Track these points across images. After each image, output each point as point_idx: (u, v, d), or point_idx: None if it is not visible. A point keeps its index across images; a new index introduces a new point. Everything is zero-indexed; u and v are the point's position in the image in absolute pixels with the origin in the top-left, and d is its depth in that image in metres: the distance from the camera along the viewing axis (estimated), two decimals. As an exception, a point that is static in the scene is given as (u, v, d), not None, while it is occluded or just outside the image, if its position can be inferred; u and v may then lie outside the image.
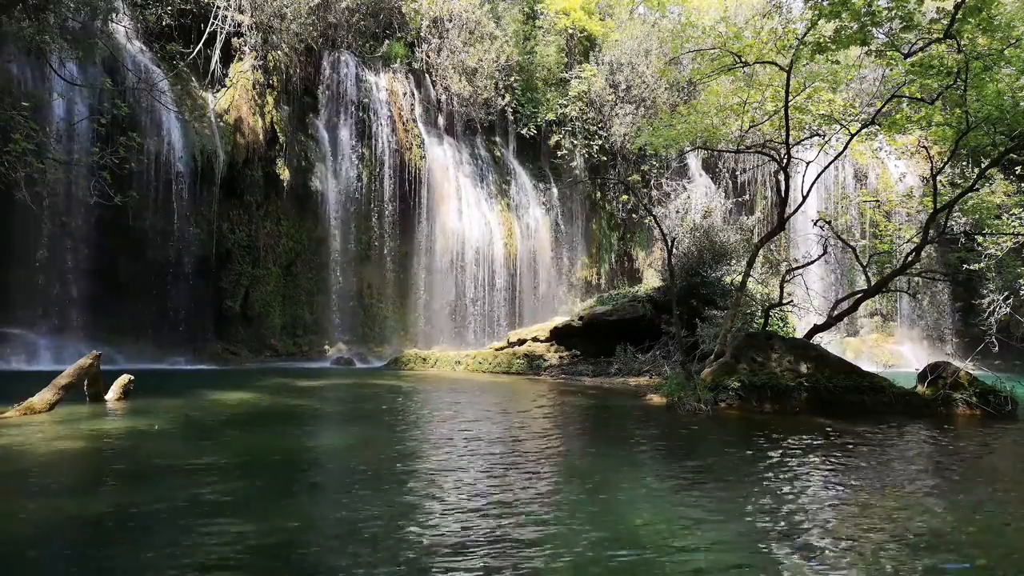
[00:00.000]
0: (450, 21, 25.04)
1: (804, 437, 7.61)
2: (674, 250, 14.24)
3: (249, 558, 3.48)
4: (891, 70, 13.12)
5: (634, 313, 17.88)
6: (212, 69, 20.28)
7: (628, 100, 27.20)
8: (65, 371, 8.60)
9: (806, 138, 13.85)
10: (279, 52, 21.19)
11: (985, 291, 22.18)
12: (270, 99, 21.16)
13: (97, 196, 13.56)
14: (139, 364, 15.61)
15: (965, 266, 19.51)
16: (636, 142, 22.93)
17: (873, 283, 13.05)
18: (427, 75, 25.05)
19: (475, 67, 24.85)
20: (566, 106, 26.82)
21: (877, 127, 12.64)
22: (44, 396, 8.07)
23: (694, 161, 28.86)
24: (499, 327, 23.84)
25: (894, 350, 27.17)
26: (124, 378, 9.54)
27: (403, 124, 23.62)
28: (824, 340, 15.03)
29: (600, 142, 27.10)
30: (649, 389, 11.97)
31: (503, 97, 25.87)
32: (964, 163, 21.57)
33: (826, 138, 14.01)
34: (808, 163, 13.60)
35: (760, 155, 16.71)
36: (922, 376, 10.64)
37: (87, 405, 8.71)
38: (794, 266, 15.41)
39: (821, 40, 10.80)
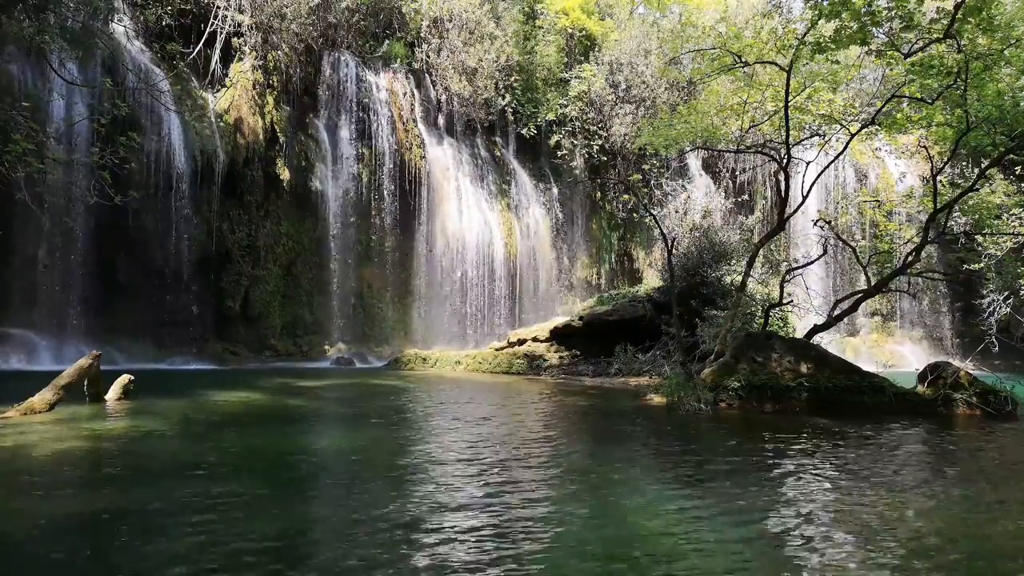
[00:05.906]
0: (450, 21, 25.04)
1: (804, 437, 7.61)
2: (674, 250, 14.24)
3: (250, 558, 3.48)
4: (891, 70, 13.14)
5: (634, 313, 17.88)
6: (212, 69, 20.29)
7: (628, 100, 27.21)
8: (65, 371, 8.60)
9: (806, 138, 13.85)
10: (279, 52, 21.19)
11: (985, 291, 22.15)
12: (270, 99, 21.16)
13: (97, 196, 13.53)
14: (139, 364, 15.62)
15: (965, 266, 19.48)
16: (636, 142, 22.93)
17: (873, 283, 13.04)
18: (427, 75, 25.05)
19: (475, 67, 24.85)
20: (566, 106, 26.82)
21: (877, 127, 12.63)
22: (44, 396, 8.07)
23: (694, 161, 28.89)
24: (499, 327, 23.83)
25: (894, 350, 27.18)
26: (124, 378, 9.54)
27: (403, 124, 23.62)
28: (824, 340, 15.05)
29: (600, 142, 27.11)
30: (649, 389, 11.95)
31: (503, 97, 25.87)
32: (964, 163, 21.58)
33: (826, 138, 14.00)
34: (808, 163, 13.60)
35: (760, 155, 16.71)
36: (922, 376, 10.63)
37: (87, 405, 8.70)
38: (794, 266, 15.42)
39: (821, 40, 10.80)
